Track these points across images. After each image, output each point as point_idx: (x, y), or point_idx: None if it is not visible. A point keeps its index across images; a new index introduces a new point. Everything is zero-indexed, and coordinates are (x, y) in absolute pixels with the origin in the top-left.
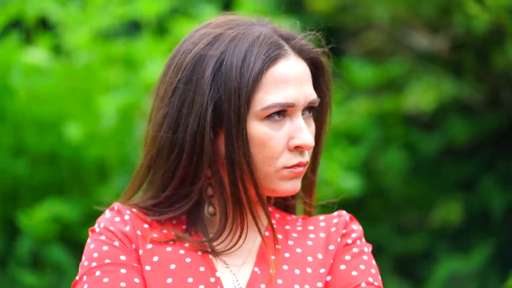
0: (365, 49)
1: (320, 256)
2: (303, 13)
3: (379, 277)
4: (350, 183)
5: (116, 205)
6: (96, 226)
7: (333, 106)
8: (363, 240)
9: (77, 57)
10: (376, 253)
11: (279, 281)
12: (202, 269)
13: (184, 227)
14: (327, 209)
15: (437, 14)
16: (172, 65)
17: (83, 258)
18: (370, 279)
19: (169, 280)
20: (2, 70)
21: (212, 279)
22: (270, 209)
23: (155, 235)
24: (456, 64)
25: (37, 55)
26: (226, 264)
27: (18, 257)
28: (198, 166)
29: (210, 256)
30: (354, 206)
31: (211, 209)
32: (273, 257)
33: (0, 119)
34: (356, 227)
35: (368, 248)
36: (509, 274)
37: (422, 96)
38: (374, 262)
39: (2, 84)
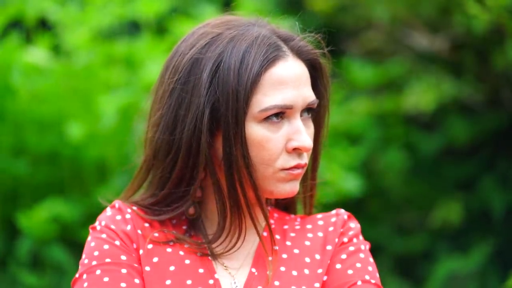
0: (365, 49)
1: (317, 256)
2: (303, 13)
3: (377, 274)
4: (351, 184)
5: (117, 203)
6: (97, 223)
7: (333, 106)
8: (360, 238)
9: (77, 57)
10: (376, 253)
11: (276, 283)
12: (201, 271)
13: (184, 227)
14: (327, 209)
15: (437, 14)
16: (170, 66)
17: (83, 255)
18: (367, 277)
19: (168, 282)
20: (2, 70)
21: (211, 281)
22: (268, 208)
23: (156, 234)
24: (456, 64)
25: (37, 55)
26: (225, 266)
27: (18, 257)
28: (194, 167)
29: (210, 258)
30: (354, 206)
31: (191, 210)
32: (270, 258)
33: (1, 119)
34: (354, 225)
35: (365, 246)
36: (509, 274)
37: (422, 96)
38: (371, 259)
39: (2, 84)
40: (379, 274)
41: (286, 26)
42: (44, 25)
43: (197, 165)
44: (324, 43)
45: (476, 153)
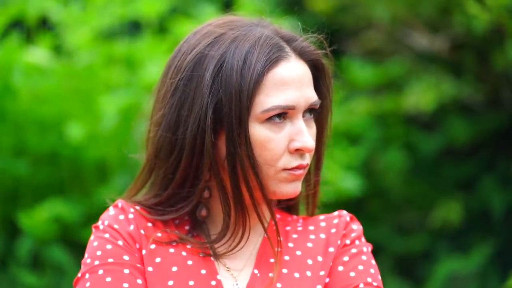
0: (365, 49)
1: (320, 258)
2: (303, 13)
3: (379, 276)
4: (351, 183)
5: (120, 202)
6: (100, 223)
7: (333, 106)
8: (363, 239)
9: (78, 57)
10: (376, 253)
11: (278, 285)
12: (203, 271)
13: (187, 227)
14: (328, 209)
15: (437, 14)
16: (172, 65)
17: (86, 255)
18: (369, 279)
19: (171, 283)
20: (3, 70)
21: (213, 282)
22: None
23: (159, 235)
24: (456, 64)
25: (38, 55)
26: (227, 267)
27: (18, 258)
28: (198, 167)
29: (212, 259)
30: (354, 206)
31: (203, 211)
32: (272, 260)
33: (1, 119)
34: (356, 226)
35: (367, 248)
36: (509, 274)
37: (422, 96)
38: (373, 261)
39: (3, 84)
40: (379, 274)
41: (288, 26)
42: (45, 24)
43: (201, 165)
44: (326, 44)
45: (476, 153)
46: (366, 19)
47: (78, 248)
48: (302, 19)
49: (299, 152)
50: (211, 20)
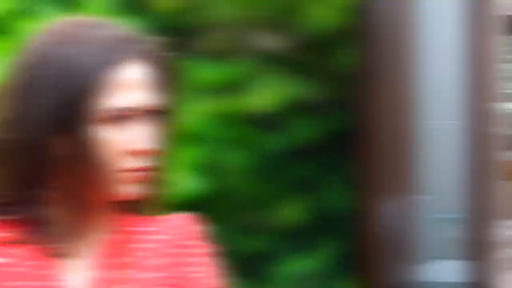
0: (209, 49)
1: (163, 259)
2: (147, 13)
3: (224, 278)
4: (194, 184)
5: None
6: None
7: (177, 107)
8: (207, 240)
9: None
10: (220, 254)
11: (121, 287)
12: (46, 273)
13: (29, 229)
14: (172, 211)
15: (280, 14)
16: (16, 65)
17: None
18: (213, 281)
19: (12, 284)
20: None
21: (56, 283)
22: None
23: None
24: (300, 64)
25: None
26: (70, 269)
27: None
28: (38, 168)
29: (55, 260)
30: (198, 207)
31: (45, 213)
32: (115, 261)
33: None
34: (199, 227)
35: (211, 249)
36: (353, 276)
37: (266, 96)
38: (217, 263)
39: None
40: (223, 276)
41: (132, 27)
42: None
43: (40, 166)
44: (170, 45)
45: (320, 153)
46: (210, 19)
47: None
48: (146, 20)
49: (140, 154)
50: (54, 20)
